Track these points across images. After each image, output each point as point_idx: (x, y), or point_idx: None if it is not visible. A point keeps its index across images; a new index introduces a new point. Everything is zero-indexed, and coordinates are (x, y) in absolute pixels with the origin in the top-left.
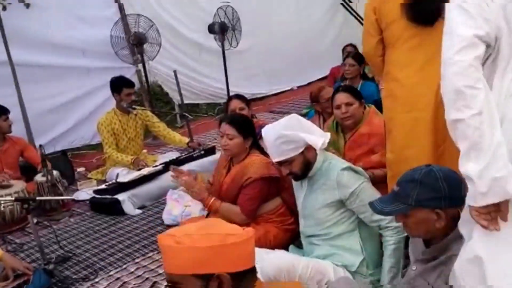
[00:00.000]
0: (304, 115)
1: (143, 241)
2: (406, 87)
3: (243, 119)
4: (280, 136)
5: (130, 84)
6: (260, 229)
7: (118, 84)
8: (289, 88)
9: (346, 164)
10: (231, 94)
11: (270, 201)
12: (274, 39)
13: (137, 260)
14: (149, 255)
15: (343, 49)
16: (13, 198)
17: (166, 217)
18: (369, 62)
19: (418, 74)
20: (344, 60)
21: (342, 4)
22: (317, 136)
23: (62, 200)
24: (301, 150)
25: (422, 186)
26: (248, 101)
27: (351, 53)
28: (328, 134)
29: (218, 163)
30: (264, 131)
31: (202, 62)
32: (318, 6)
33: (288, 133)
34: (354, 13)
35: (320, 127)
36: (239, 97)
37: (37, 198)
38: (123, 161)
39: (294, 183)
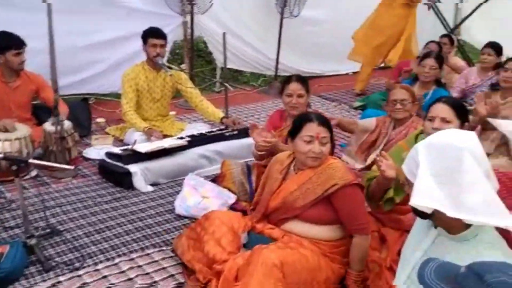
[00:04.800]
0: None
1: (146, 229)
2: None
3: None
4: None
5: (157, 34)
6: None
7: (145, 33)
8: (344, 72)
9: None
10: (279, 67)
11: (337, 226)
12: (341, 14)
13: (133, 256)
14: (148, 251)
15: (426, 45)
16: (1, 155)
17: (179, 205)
18: None
19: None
20: (422, 58)
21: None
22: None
23: (68, 158)
24: None
25: None
26: (308, 86)
27: (434, 52)
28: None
29: (270, 167)
30: None
31: (256, 27)
32: None
33: None
34: (437, 11)
35: (385, 135)
36: (299, 79)
37: (29, 161)
38: (136, 125)
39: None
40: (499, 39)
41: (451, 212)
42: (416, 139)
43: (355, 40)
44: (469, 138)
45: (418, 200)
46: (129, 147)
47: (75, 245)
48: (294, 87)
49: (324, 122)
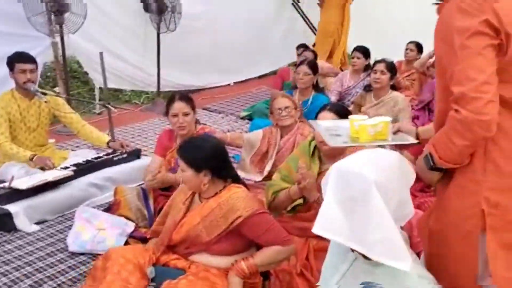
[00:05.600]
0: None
1: (37, 275)
2: None
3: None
4: None
5: (25, 58)
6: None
7: (11, 59)
8: (226, 83)
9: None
10: (161, 83)
11: (246, 253)
12: (217, 27)
13: None
14: None
15: (297, 48)
16: None
17: (72, 242)
18: None
19: None
20: (297, 65)
21: (292, 4)
22: None
23: None
24: None
25: None
26: (193, 103)
27: (308, 60)
28: None
29: (174, 196)
30: None
31: (134, 44)
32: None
33: None
34: (302, 13)
35: (274, 144)
36: (183, 98)
37: None
38: (19, 155)
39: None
40: (366, 42)
41: (351, 244)
42: (309, 146)
43: (316, 49)
44: (383, 166)
45: (320, 229)
46: (6, 184)
47: None
48: (179, 106)
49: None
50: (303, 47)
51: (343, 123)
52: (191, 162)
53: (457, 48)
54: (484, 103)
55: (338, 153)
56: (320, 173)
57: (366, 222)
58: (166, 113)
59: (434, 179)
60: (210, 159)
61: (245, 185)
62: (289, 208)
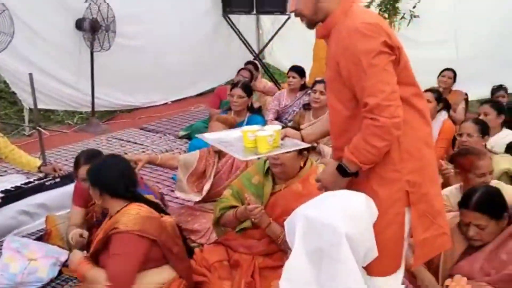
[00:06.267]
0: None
1: None
2: None
3: None
4: None
5: None
6: None
7: None
8: (164, 102)
9: None
10: (96, 102)
11: (155, 270)
12: (154, 46)
13: None
14: None
15: (245, 64)
16: None
17: (0, 275)
18: None
19: None
20: (231, 87)
21: (224, 17)
22: None
23: None
24: None
25: None
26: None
27: (242, 82)
28: None
29: None
30: None
31: (68, 62)
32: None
33: None
34: (235, 29)
35: (213, 164)
36: (87, 159)
37: None
38: None
39: None
40: (298, 61)
41: None
42: (264, 164)
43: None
44: (353, 216)
45: (287, 282)
46: None
47: None
48: (84, 172)
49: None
50: (251, 63)
51: (232, 134)
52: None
53: (365, 67)
54: (395, 109)
55: (290, 175)
56: (273, 194)
57: (334, 274)
58: (75, 176)
59: (342, 185)
60: (101, 178)
61: (155, 206)
62: (237, 229)
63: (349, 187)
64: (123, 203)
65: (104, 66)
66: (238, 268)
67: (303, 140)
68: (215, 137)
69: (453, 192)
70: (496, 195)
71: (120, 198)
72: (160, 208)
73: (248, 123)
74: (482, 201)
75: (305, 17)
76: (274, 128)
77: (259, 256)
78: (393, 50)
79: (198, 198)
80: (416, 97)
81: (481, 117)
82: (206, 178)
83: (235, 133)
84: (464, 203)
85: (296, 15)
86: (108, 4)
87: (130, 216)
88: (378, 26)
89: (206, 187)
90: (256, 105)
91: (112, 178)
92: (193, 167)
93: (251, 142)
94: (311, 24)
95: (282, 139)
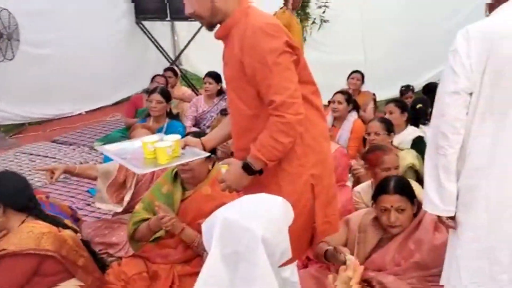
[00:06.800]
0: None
1: None
2: None
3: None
4: None
5: None
6: None
7: None
8: (78, 113)
9: None
10: (0, 115)
11: (61, 284)
12: (66, 55)
13: None
14: None
15: (165, 71)
16: None
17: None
18: None
19: None
20: (150, 93)
21: (137, 24)
22: None
23: None
24: None
25: None
26: None
27: (160, 87)
28: None
29: None
30: None
31: None
32: (114, 22)
33: None
34: (150, 36)
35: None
36: None
37: None
38: None
39: None
40: (215, 67)
41: None
42: (172, 172)
43: None
44: (271, 218)
45: (203, 286)
46: None
47: None
48: None
49: None
50: (170, 70)
51: (130, 144)
52: None
53: (271, 65)
54: (298, 106)
55: (200, 179)
56: (184, 200)
57: (249, 279)
58: None
59: (246, 184)
60: (2, 190)
61: (54, 221)
62: (151, 239)
63: (254, 184)
64: (23, 216)
65: (8, 77)
66: (157, 279)
67: (204, 146)
68: (116, 148)
69: (364, 189)
70: (406, 181)
71: (22, 211)
72: (61, 223)
73: (168, 129)
74: (398, 185)
75: (204, 19)
76: (173, 138)
77: (177, 264)
78: (294, 50)
79: (119, 209)
80: (314, 95)
81: (387, 115)
82: (127, 189)
83: (137, 143)
84: (382, 189)
85: (195, 17)
86: (9, 11)
87: (21, 234)
88: (279, 26)
89: (127, 197)
90: (174, 111)
91: (14, 188)
92: (113, 177)
93: (150, 153)
94: (210, 26)
95: (183, 148)
